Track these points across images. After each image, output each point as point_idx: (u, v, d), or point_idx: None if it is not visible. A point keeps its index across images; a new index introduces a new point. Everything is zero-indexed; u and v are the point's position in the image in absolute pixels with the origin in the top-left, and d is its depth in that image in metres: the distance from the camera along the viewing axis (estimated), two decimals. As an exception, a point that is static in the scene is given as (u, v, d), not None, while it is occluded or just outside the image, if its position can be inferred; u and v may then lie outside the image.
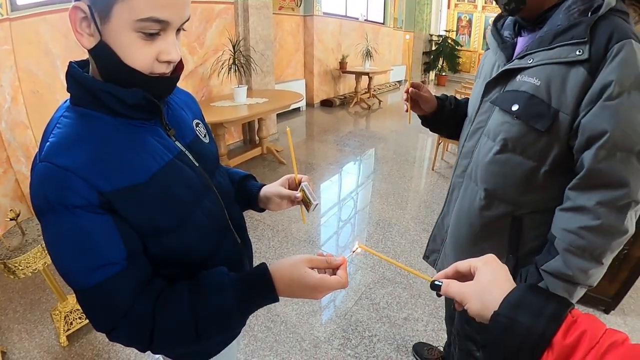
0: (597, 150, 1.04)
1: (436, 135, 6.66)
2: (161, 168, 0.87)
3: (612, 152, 1.03)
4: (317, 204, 1.05)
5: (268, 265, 0.89)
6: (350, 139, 7.05)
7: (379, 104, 9.74)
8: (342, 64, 9.22)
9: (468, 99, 1.66)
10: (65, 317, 2.70)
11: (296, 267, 0.86)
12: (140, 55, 0.79)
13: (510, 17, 1.36)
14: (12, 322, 2.92)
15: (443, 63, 13.29)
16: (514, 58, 1.24)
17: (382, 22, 11.67)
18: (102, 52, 0.78)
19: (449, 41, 13.02)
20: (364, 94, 9.64)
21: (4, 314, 3.01)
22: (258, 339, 2.67)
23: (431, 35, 13.37)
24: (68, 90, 0.86)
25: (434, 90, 11.89)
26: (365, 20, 10.40)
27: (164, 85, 0.88)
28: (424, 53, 13.40)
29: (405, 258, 3.51)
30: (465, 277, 0.76)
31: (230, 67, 5.28)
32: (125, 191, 0.80)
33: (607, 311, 2.93)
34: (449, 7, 13.90)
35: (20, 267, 2.28)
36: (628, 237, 1.14)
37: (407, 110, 1.61)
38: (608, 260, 1.19)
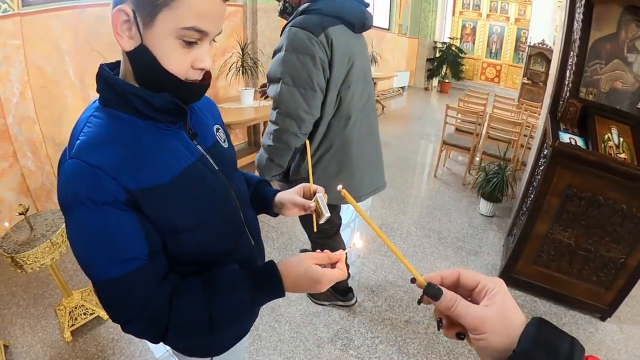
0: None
1: (438, 143, 6.73)
2: (183, 170, 0.92)
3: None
4: (328, 216, 1.09)
5: (276, 262, 0.95)
6: (353, 143, 7.01)
7: (382, 109, 9.76)
8: (347, 69, 9.19)
9: None
10: (70, 313, 2.74)
11: (301, 263, 0.92)
12: (178, 61, 0.84)
13: None
14: (15, 316, 2.94)
15: (447, 70, 13.26)
16: None
17: (387, 28, 11.74)
18: (141, 55, 0.82)
19: (453, 48, 13.01)
20: (367, 99, 9.60)
21: (7, 307, 3.03)
22: (262, 338, 2.71)
23: (435, 42, 13.36)
24: (98, 91, 0.90)
25: (437, 97, 12.01)
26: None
27: (195, 90, 0.92)
28: (427, 60, 13.39)
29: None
30: (461, 290, 0.63)
31: (238, 70, 5.31)
32: (149, 190, 0.84)
33: (603, 319, 2.97)
34: (453, 14, 13.90)
35: (29, 262, 2.31)
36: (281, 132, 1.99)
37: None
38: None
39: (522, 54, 12.42)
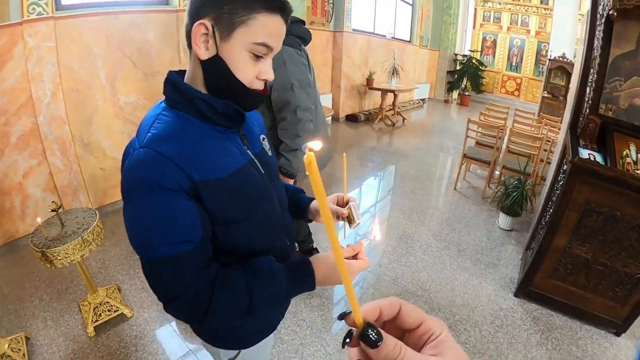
0: None
1: (457, 155, 6.76)
2: (237, 169, 1.01)
3: None
4: (359, 223, 1.18)
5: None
6: (373, 154, 7.11)
7: (403, 121, 9.75)
8: (369, 80, 9.27)
9: None
10: (94, 309, 2.79)
11: (329, 257, 1.05)
12: (247, 72, 0.96)
13: None
14: (37, 309, 3.00)
15: (467, 83, 13.22)
16: None
17: (408, 40, 11.76)
18: (216, 64, 0.94)
19: (474, 61, 12.96)
20: (388, 110, 9.64)
21: (30, 301, 3.10)
22: (284, 342, 2.73)
23: (456, 55, 13.35)
24: (165, 93, 1.01)
25: (457, 110, 11.98)
26: (392, 37, 10.48)
27: (257, 98, 1.03)
28: (448, 72, 13.39)
29: (427, 273, 3.53)
30: (397, 324, 0.50)
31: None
32: (209, 182, 0.93)
33: (618, 334, 2.93)
34: (474, 27, 13.90)
35: (59, 257, 2.36)
36: None
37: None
38: None
39: (542, 68, 12.40)
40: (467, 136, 5.35)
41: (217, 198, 0.95)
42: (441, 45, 13.13)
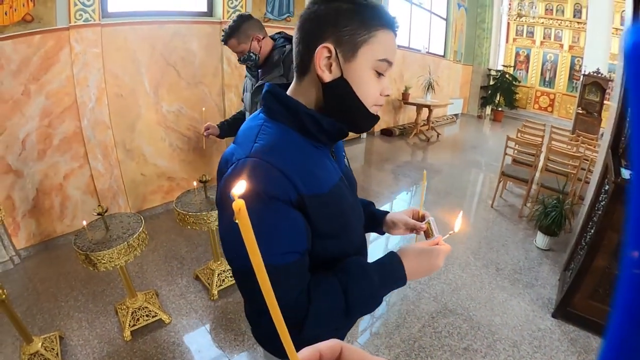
0: None
1: (491, 172, 6.71)
2: (334, 185, 1.01)
3: None
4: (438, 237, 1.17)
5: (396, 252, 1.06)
6: (408, 169, 7.02)
7: (438, 136, 9.61)
8: (405, 95, 9.19)
9: (236, 115, 3.03)
10: (132, 313, 2.78)
11: (415, 245, 1.06)
12: (372, 90, 0.96)
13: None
14: (72, 309, 3.02)
15: (500, 98, 12.98)
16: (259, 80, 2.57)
17: (442, 54, 11.65)
18: (340, 86, 0.94)
19: (507, 76, 12.70)
20: (422, 125, 9.53)
21: (65, 300, 3.12)
22: None
23: (490, 70, 13.13)
24: (265, 105, 1.00)
25: (490, 126, 11.82)
26: (427, 52, 10.41)
27: (372, 121, 1.03)
28: (481, 87, 13.19)
29: (467, 291, 3.45)
30: None
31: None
32: (313, 197, 0.93)
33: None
34: (507, 41, 13.55)
35: (103, 261, 2.37)
36: None
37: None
38: None
39: (576, 83, 11.98)
40: (506, 153, 5.25)
41: (319, 212, 0.95)
42: (475, 60, 12.94)
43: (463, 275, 3.72)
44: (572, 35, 12.18)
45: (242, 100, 2.95)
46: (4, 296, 2.24)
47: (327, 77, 0.93)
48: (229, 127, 2.98)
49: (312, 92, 0.98)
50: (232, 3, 4.65)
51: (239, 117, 2.98)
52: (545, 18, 12.59)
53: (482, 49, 12.80)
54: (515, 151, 5.34)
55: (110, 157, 4.06)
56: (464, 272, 3.79)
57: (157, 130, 4.43)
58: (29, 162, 3.58)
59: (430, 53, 10.77)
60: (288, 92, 1.02)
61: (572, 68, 12.41)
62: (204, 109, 3.24)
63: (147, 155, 4.43)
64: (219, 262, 3.33)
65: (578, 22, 11.84)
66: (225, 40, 2.49)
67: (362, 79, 0.94)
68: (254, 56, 2.50)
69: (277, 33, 2.64)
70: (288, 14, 5.43)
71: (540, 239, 4.29)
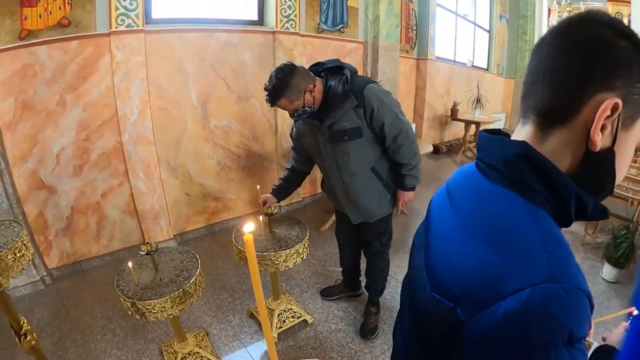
0: None
1: None
2: None
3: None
4: None
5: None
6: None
7: (482, 154, 9.08)
8: (453, 111, 8.63)
9: (288, 175, 2.78)
10: (182, 358, 2.41)
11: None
12: (626, 167, 0.74)
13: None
14: (110, 345, 2.70)
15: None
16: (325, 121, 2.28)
17: (485, 68, 11.18)
18: (607, 160, 0.69)
19: (548, 91, 12.15)
20: (470, 142, 8.98)
21: (101, 333, 2.80)
22: None
23: (533, 85, 12.58)
24: (519, 179, 0.69)
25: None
26: (472, 65, 9.93)
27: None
28: (523, 102, 12.66)
29: None
30: None
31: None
32: None
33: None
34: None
35: (153, 311, 1.94)
36: None
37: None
38: None
39: None
40: None
41: None
42: (517, 73, 12.24)
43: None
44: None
45: (294, 149, 2.70)
46: (33, 342, 1.89)
47: (597, 142, 0.64)
48: (285, 192, 2.80)
49: (565, 155, 0.69)
50: (285, 12, 4.23)
51: (294, 179, 2.80)
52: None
53: (524, 61, 12.03)
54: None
55: (152, 175, 3.72)
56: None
57: (204, 147, 4.08)
58: (63, 178, 3.31)
59: (475, 66, 10.26)
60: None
61: (610, 82, 11.90)
62: (258, 186, 2.83)
63: (193, 174, 4.08)
64: (279, 301, 2.88)
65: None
66: (273, 102, 2.18)
67: (626, 155, 0.70)
68: (309, 109, 2.25)
69: (312, 66, 2.40)
70: (342, 25, 5.04)
71: (608, 271, 3.88)
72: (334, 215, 4.46)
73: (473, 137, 8.98)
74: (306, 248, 2.54)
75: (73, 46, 3.07)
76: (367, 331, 2.85)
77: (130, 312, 2.00)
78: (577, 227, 5.19)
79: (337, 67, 2.27)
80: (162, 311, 1.95)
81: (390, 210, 2.63)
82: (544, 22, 12.12)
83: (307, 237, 2.55)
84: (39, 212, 3.26)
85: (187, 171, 4.04)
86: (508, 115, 12.72)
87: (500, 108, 12.23)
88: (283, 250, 2.38)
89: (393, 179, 2.51)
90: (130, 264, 1.99)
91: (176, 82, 3.72)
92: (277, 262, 2.37)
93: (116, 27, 3.19)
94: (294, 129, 2.56)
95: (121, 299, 1.99)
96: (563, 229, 0.71)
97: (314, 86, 2.20)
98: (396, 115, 2.30)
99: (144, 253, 2.04)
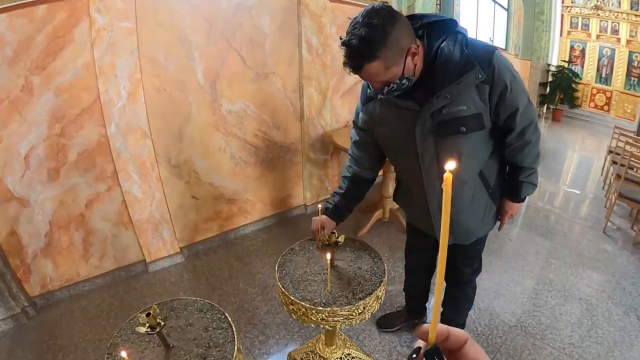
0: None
1: (580, 186, 6.09)
2: None
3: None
4: None
5: None
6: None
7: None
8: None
9: (349, 186, 1.97)
10: None
11: None
12: None
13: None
14: None
15: (560, 96, 11.87)
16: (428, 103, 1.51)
17: (504, 48, 10.63)
18: None
19: (566, 72, 11.58)
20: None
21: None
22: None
23: (549, 65, 11.96)
24: None
25: (549, 127, 10.64)
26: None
27: None
28: (540, 84, 12.02)
29: (620, 352, 2.70)
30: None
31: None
32: None
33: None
34: (561, 34, 12.42)
35: None
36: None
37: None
38: None
39: (634, 80, 11.23)
40: (618, 174, 4.53)
41: None
42: (533, 54, 11.74)
43: (610, 330, 2.92)
44: (629, 28, 11.28)
45: (357, 144, 1.92)
46: None
47: None
48: (347, 210, 2.00)
49: None
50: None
51: (356, 191, 2.01)
52: (600, 9, 11.65)
53: (541, 42, 11.60)
54: (626, 167, 4.49)
55: (149, 177, 3.02)
56: (609, 324, 2.98)
57: (214, 138, 3.35)
58: (36, 185, 2.68)
59: (495, 47, 9.68)
60: None
61: (630, 64, 11.39)
62: (319, 206, 2.00)
63: (201, 172, 3.37)
64: (333, 347, 2.12)
65: (636, 15, 10.98)
66: (359, 66, 1.37)
67: None
68: (406, 82, 1.46)
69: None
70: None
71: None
72: (374, 215, 3.81)
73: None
74: (384, 286, 1.73)
75: (40, 12, 2.38)
76: None
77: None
78: (618, 221, 4.68)
79: (443, 22, 1.49)
80: None
81: (492, 228, 1.99)
82: (558, 2, 11.66)
83: (384, 271, 1.75)
84: (10, 230, 2.70)
85: (193, 169, 3.38)
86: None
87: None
88: (360, 300, 1.56)
89: (499, 185, 1.87)
90: (124, 355, 1.13)
91: (177, 56, 2.96)
92: (351, 316, 1.55)
93: (97, -15, 2.44)
94: (361, 113, 1.78)
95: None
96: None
97: (418, 46, 1.43)
98: (529, 100, 1.65)
99: (148, 328, 1.20)
